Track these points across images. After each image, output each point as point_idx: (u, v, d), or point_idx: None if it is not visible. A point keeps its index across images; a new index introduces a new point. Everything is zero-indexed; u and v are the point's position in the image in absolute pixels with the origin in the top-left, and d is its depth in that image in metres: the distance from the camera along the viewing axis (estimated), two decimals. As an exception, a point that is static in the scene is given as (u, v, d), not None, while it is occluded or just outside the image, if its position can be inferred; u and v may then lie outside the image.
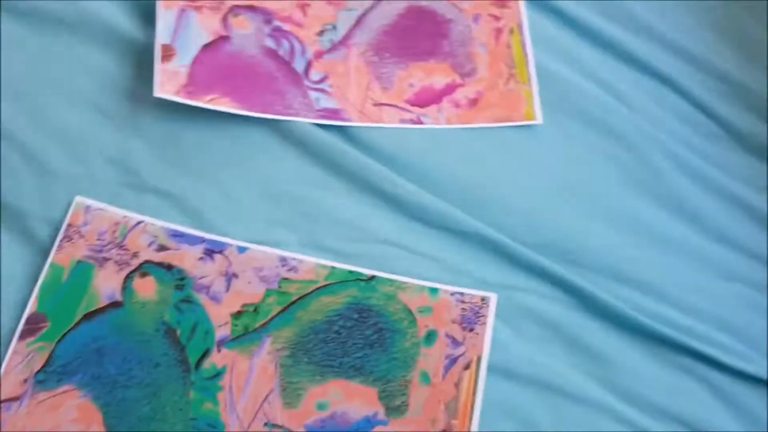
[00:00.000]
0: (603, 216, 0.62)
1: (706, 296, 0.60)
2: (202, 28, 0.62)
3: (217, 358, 0.54)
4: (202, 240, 0.57)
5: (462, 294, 0.57)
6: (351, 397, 0.53)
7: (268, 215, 0.60)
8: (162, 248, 0.56)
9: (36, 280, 0.54)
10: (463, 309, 0.56)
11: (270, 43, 0.64)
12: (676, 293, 0.59)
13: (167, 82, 0.59)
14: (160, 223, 0.57)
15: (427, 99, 0.64)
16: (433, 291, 0.57)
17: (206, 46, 0.62)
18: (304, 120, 0.61)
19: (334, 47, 0.65)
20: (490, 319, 0.56)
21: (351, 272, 0.57)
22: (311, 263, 0.58)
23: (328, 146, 0.61)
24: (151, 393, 0.52)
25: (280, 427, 0.52)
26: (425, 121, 0.63)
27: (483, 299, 0.57)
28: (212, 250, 0.57)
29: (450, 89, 0.65)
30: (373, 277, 0.57)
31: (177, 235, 0.57)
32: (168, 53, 0.60)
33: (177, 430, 0.51)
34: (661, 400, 0.55)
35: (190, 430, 0.51)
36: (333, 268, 0.58)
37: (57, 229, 0.56)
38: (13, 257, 0.55)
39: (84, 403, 0.51)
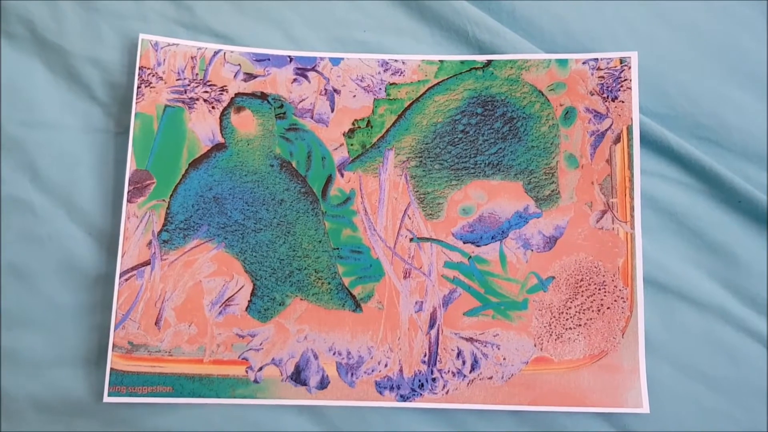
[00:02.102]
0: (749, 84, 0.51)
1: None
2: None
3: (342, 183, 0.48)
4: (290, 59, 0.50)
5: (596, 60, 0.49)
6: (495, 196, 0.48)
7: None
8: (250, 76, 0.49)
9: (90, 131, 0.48)
10: (600, 77, 0.49)
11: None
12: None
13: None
14: (239, 48, 0.50)
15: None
16: (562, 63, 0.50)
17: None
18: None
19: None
20: (635, 83, 0.49)
21: (463, 62, 0.50)
22: (416, 61, 0.50)
23: None
24: (285, 231, 0.47)
25: (428, 239, 0.47)
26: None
27: (622, 60, 0.49)
28: (304, 69, 0.50)
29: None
30: (489, 63, 0.50)
31: (262, 59, 0.50)
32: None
33: (322, 262, 0.47)
34: None
35: (335, 260, 0.47)
36: (441, 62, 0.50)
37: (105, 71, 0.49)
38: (63, 104, 0.49)
39: (218, 254, 0.47)
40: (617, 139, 0.48)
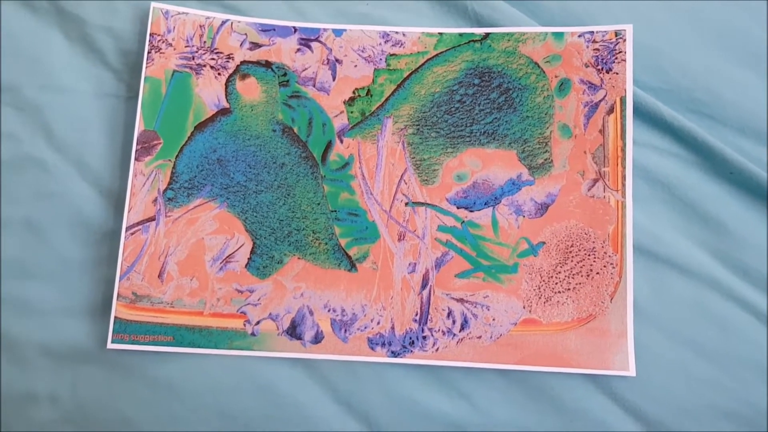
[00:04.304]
0: (744, 59, 0.52)
1: None
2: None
3: (341, 149, 0.50)
4: (295, 30, 0.52)
5: (592, 33, 0.51)
6: (489, 164, 0.49)
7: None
8: (255, 45, 0.51)
9: (102, 96, 0.51)
10: (595, 49, 0.50)
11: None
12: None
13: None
14: (246, 18, 0.52)
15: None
16: (558, 36, 0.51)
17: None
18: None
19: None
20: (629, 55, 0.50)
21: (461, 35, 0.51)
22: (416, 33, 0.52)
23: None
24: (285, 193, 0.49)
25: (423, 203, 0.49)
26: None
27: (617, 33, 0.50)
28: (307, 39, 0.52)
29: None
30: (487, 35, 0.51)
31: (267, 29, 0.52)
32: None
33: (320, 224, 0.49)
34: None
35: (332, 221, 0.49)
36: (440, 34, 0.52)
37: (118, 39, 0.52)
38: (78, 70, 0.51)
39: (220, 213, 0.49)
40: (610, 110, 0.49)
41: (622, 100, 0.49)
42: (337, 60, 0.51)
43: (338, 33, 0.52)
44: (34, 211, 0.49)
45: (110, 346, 0.47)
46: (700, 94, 0.50)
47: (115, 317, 0.47)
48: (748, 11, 0.52)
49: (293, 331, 0.47)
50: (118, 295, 0.47)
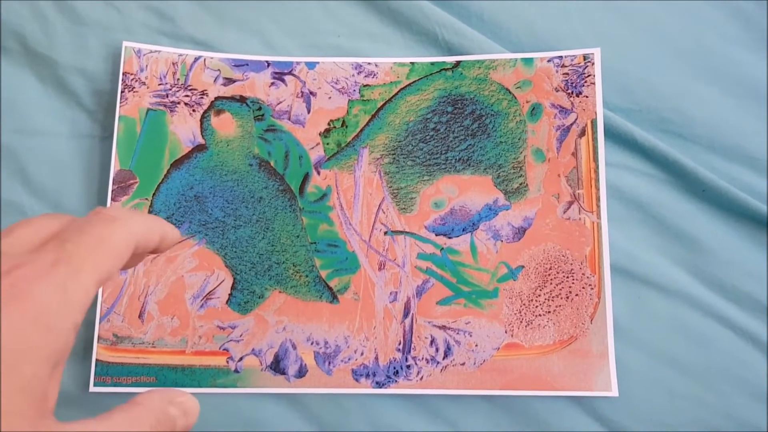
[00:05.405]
0: (710, 77, 0.52)
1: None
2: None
3: (318, 181, 0.50)
4: (268, 64, 0.52)
5: (561, 58, 0.52)
6: (466, 190, 0.50)
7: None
8: (229, 81, 0.52)
9: (77, 137, 0.51)
10: (564, 74, 0.51)
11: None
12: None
13: None
14: (219, 54, 0.52)
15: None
16: (528, 61, 0.52)
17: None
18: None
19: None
20: (598, 78, 0.51)
21: (433, 64, 0.52)
22: (388, 63, 0.52)
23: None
24: (264, 227, 0.49)
25: (402, 232, 0.49)
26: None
27: (585, 57, 0.51)
28: (281, 73, 0.52)
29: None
30: (458, 63, 0.52)
31: (240, 65, 0.52)
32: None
33: (300, 256, 0.49)
34: (760, 293, 0.48)
35: (312, 253, 0.49)
36: (412, 64, 0.52)
37: (91, 79, 0.52)
38: (52, 112, 0.52)
39: (200, 250, 0.49)
40: (582, 133, 0.50)
41: (593, 123, 0.50)
42: (311, 92, 0.52)
43: (311, 66, 0.52)
44: (11, 256, 0.49)
45: (93, 389, 0.46)
46: (669, 113, 0.51)
47: (97, 360, 0.47)
48: (712, 29, 0.53)
49: (277, 366, 0.47)
50: (99, 338, 0.47)
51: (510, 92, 0.51)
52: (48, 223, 0.23)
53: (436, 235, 0.49)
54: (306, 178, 0.51)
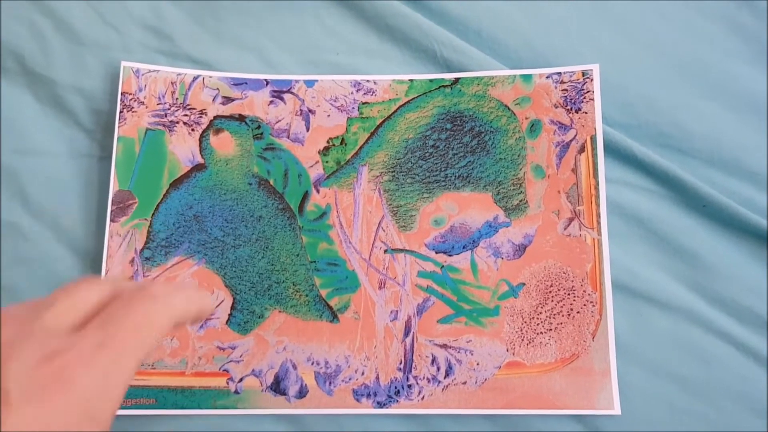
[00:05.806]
0: (710, 92, 0.52)
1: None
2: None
3: (318, 199, 0.50)
4: (267, 82, 0.52)
5: (560, 74, 0.52)
6: (466, 207, 0.50)
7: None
8: (228, 99, 0.52)
9: (76, 157, 0.51)
10: (563, 90, 0.51)
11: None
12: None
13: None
14: (217, 73, 0.52)
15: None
16: (526, 78, 0.52)
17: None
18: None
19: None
20: (597, 94, 0.51)
21: (432, 81, 0.52)
22: (387, 81, 0.52)
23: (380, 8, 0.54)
24: (263, 246, 0.49)
25: (402, 250, 0.49)
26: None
27: (584, 73, 0.51)
28: (280, 91, 0.52)
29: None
30: (457, 80, 0.52)
31: (239, 83, 0.52)
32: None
33: (300, 275, 0.49)
34: (760, 309, 0.48)
35: (312, 272, 0.49)
36: (411, 81, 0.52)
37: (89, 99, 0.52)
38: (50, 132, 0.52)
39: (199, 270, 0.49)
40: (582, 149, 0.50)
41: (593, 139, 0.50)
42: (310, 110, 0.52)
43: (310, 84, 0.52)
44: (11, 277, 0.49)
45: (92, 412, 0.46)
46: (668, 128, 0.51)
47: (96, 382, 0.46)
48: (711, 44, 0.53)
49: (277, 387, 0.47)
50: (98, 360, 0.47)
51: (509, 109, 0.51)
52: (89, 295, 0.24)
53: (437, 252, 0.49)
54: (305, 196, 0.50)
